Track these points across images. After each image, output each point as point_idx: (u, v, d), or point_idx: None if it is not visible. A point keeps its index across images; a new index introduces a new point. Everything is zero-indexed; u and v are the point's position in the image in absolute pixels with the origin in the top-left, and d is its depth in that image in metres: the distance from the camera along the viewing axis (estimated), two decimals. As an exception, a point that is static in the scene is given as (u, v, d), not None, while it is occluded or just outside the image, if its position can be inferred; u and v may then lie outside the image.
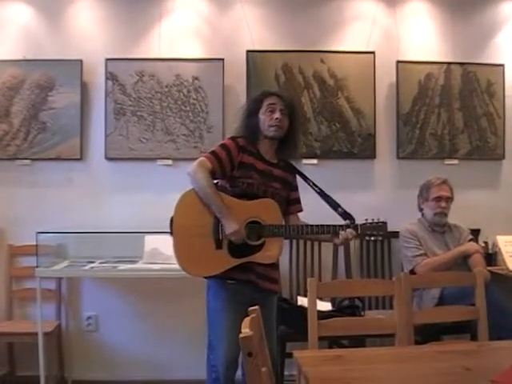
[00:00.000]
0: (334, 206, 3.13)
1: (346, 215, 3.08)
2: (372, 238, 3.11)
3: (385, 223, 3.10)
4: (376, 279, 4.31)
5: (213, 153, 3.03)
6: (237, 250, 2.97)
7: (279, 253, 3.11)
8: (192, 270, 2.99)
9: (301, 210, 3.28)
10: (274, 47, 4.53)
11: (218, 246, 2.97)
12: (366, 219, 3.08)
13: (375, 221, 3.09)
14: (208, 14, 4.58)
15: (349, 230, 3.02)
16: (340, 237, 3.02)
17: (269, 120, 3.07)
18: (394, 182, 4.64)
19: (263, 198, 3.03)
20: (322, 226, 3.05)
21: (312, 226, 3.08)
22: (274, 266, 3.18)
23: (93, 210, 4.44)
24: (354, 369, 2.27)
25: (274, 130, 3.08)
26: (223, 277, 2.98)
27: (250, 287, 3.02)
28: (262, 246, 3.00)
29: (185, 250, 2.98)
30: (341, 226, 3.04)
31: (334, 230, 3.04)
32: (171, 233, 2.98)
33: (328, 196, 3.17)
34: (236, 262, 2.97)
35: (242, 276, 3.00)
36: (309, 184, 3.20)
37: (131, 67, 4.48)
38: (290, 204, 3.24)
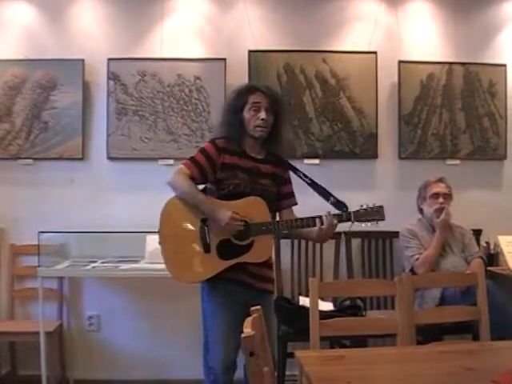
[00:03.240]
0: (326, 195, 3.07)
1: (338, 204, 3.03)
2: (369, 224, 3.06)
3: (381, 207, 3.05)
4: (377, 279, 4.32)
5: (191, 159, 3.03)
6: (226, 251, 2.94)
7: (269, 251, 3.08)
8: (184, 277, 2.99)
9: (295, 204, 3.22)
10: (276, 47, 4.53)
11: (207, 249, 2.94)
12: (361, 205, 3.03)
13: (370, 206, 3.04)
14: (210, 13, 4.58)
15: (335, 220, 2.96)
16: (324, 223, 2.95)
17: (254, 120, 3.01)
18: (395, 182, 4.64)
19: (249, 197, 2.99)
20: (313, 217, 2.99)
21: (302, 218, 3.03)
22: (268, 264, 3.14)
23: (95, 209, 4.44)
24: (356, 369, 2.27)
25: (260, 131, 3.03)
26: (215, 278, 2.95)
27: (243, 287, 2.99)
28: (251, 245, 2.97)
29: (174, 258, 2.97)
30: (332, 215, 2.97)
31: (320, 219, 2.98)
32: (160, 242, 2.98)
33: (319, 186, 3.11)
34: (226, 264, 2.94)
35: (234, 276, 2.97)
36: (299, 176, 3.14)
37: (133, 67, 4.48)
38: (282, 198, 3.18)
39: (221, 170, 3.00)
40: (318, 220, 2.97)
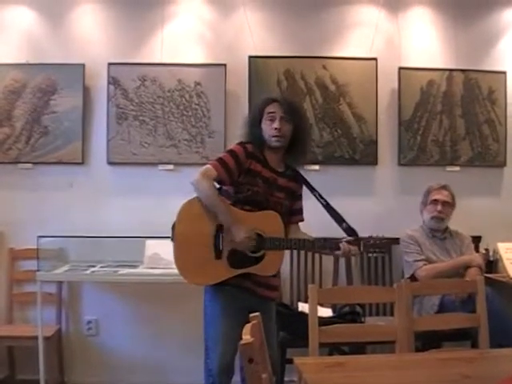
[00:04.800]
0: (339, 220, 3.08)
1: (349, 231, 3.04)
2: (374, 255, 3.09)
3: (384, 239, 3.08)
4: (377, 286, 4.31)
5: (220, 160, 2.96)
6: (236, 260, 2.94)
7: (279, 266, 3.09)
8: (190, 277, 2.95)
9: (302, 220, 3.23)
10: (277, 53, 4.53)
11: (218, 256, 2.93)
12: (370, 236, 3.06)
13: (379, 237, 3.06)
14: (210, 19, 4.59)
15: (352, 247, 3.00)
16: (341, 250, 3.00)
17: (269, 130, 3.01)
18: (395, 188, 4.64)
19: (266, 210, 2.99)
20: (325, 240, 3.03)
21: (313, 241, 3.06)
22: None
23: (94, 214, 4.44)
24: (355, 376, 2.27)
25: (276, 141, 3.02)
26: (221, 283, 2.95)
27: (247, 293, 3.00)
28: (261, 258, 2.97)
29: (184, 257, 2.94)
30: (343, 241, 3.01)
31: (336, 245, 3.01)
32: (172, 239, 2.95)
33: (333, 209, 3.11)
34: (234, 272, 2.94)
35: (239, 282, 2.97)
36: (315, 196, 3.14)
37: (133, 72, 4.48)
38: (292, 214, 3.19)
39: (244, 175, 2.99)
40: (334, 246, 3.01)
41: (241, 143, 3.06)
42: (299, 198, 3.21)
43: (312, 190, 3.16)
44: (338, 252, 3.03)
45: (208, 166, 2.95)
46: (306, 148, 3.20)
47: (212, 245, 2.94)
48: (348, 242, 3.00)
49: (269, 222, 2.99)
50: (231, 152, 3.00)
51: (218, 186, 3.01)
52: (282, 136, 3.02)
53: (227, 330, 2.91)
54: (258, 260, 2.97)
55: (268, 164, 3.06)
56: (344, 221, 3.08)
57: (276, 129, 3.00)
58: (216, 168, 2.93)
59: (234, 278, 2.95)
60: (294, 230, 3.19)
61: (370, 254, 3.09)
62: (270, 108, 3.05)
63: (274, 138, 3.02)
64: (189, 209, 2.95)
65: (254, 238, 2.94)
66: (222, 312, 2.96)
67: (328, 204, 3.12)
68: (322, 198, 3.13)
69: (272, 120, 3.02)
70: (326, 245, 3.03)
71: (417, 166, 4.62)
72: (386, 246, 3.06)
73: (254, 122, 3.09)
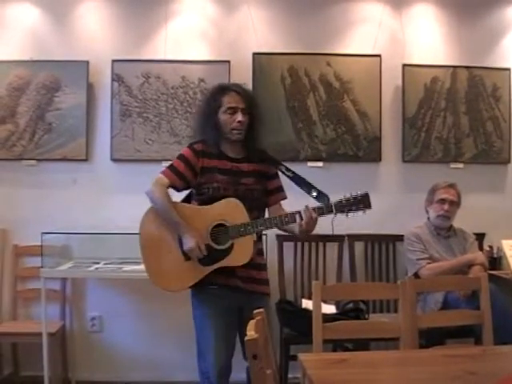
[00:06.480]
0: (308, 189, 2.94)
1: (320, 197, 2.90)
2: (353, 214, 2.89)
3: (365, 195, 2.86)
4: (381, 282, 4.32)
5: (170, 166, 2.99)
6: (206, 257, 2.88)
7: (249, 253, 2.91)
8: (171, 286, 2.95)
9: (284, 198, 3.12)
10: (280, 50, 4.53)
11: (187, 257, 2.89)
12: (344, 195, 2.86)
13: (353, 195, 2.85)
14: (214, 16, 4.58)
15: (314, 214, 2.82)
16: (304, 218, 2.82)
17: (230, 122, 2.94)
18: (399, 185, 4.63)
19: (226, 199, 2.90)
20: (292, 213, 2.88)
21: (280, 216, 2.92)
22: (260, 266, 3.06)
23: (98, 210, 4.44)
24: (359, 372, 2.27)
25: (237, 133, 2.96)
26: (205, 283, 2.91)
27: (234, 291, 2.93)
28: (231, 248, 2.89)
29: (156, 268, 2.94)
30: (312, 208, 2.83)
31: (300, 216, 2.86)
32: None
33: (301, 178, 2.99)
34: (208, 269, 2.89)
35: (224, 281, 2.92)
36: (280, 170, 3.04)
37: (137, 69, 4.48)
38: (270, 194, 3.09)
39: (201, 175, 2.95)
40: (297, 216, 2.87)
41: (189, 145, 3.04)
42: (273, 177, 3.09)
43: (276, 164, 3.06)
44: (301, 222, 2.84)
45: (159, 175, 2.98)
46: (260, 139, 3.07)
47: (179, 248, 2.91)
48: (319, 209, 2.84)
49: (231, 210, 2.90)
50: (181, 156, 3.01)
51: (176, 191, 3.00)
52: (243, 129, 2.97)
53: (219, 331, 2.89)
54: (228, 251, 2.90)
55: (225, 155, 3.00)
56: (313, 187, 2.94)
57: (239, 122, 2.94)
58: (167, 175, 2.96)
59: (219, 277, 2.91)
60: (274, 210, 3.08)
61: (347, 214, 2.86)
62: (230, 99, 2.96)
63: (235, 131, 2.95)
64: (150, 218, 2.98)
65: (204, 248, 2.85)
66: (211, 314, 2.92)
67: (295, 174, 3.01)
68: (289, 170, 3.03)
69: (233, 112, 2.95)
70: (296, 217, 2.86)
71: (421, 163, 4.61)
72: (365, 201, 2.86)
73: (210, 111, 3.00)
